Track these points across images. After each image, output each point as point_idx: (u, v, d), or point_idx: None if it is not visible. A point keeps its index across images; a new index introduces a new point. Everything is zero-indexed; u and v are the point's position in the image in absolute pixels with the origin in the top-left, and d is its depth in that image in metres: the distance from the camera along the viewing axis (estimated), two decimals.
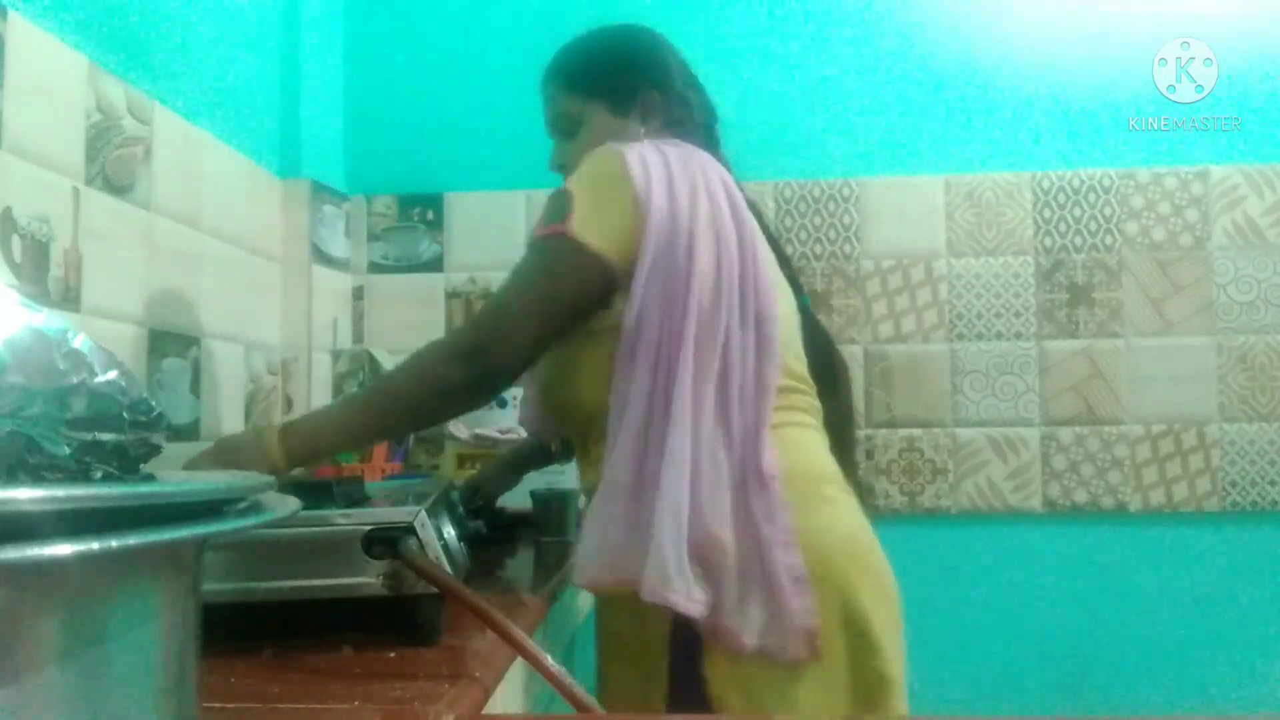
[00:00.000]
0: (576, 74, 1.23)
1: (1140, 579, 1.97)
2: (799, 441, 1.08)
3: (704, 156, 1.10)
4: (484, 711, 0.70)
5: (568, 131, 1.23)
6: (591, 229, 1.02)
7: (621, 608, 1.07)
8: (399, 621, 0.77)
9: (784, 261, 1.21)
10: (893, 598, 1.07)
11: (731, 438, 1.00)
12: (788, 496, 1.00)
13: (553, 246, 1.04)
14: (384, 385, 1.20)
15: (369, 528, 0.75)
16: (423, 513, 0.77)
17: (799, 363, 1.11)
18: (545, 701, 0.96)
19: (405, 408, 1.07)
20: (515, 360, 1.04)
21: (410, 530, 0.75)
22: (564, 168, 1.20)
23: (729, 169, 1.17)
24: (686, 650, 1.01)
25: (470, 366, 1.03)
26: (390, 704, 0.62)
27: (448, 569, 0.77)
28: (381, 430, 1.20)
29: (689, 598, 0.94)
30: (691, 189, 1.04)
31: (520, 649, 0.68)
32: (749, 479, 1.00)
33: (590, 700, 0.69)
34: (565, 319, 1.05)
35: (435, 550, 0.76)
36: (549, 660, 0.68)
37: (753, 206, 1.16)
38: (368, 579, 0.75)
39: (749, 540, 0.98)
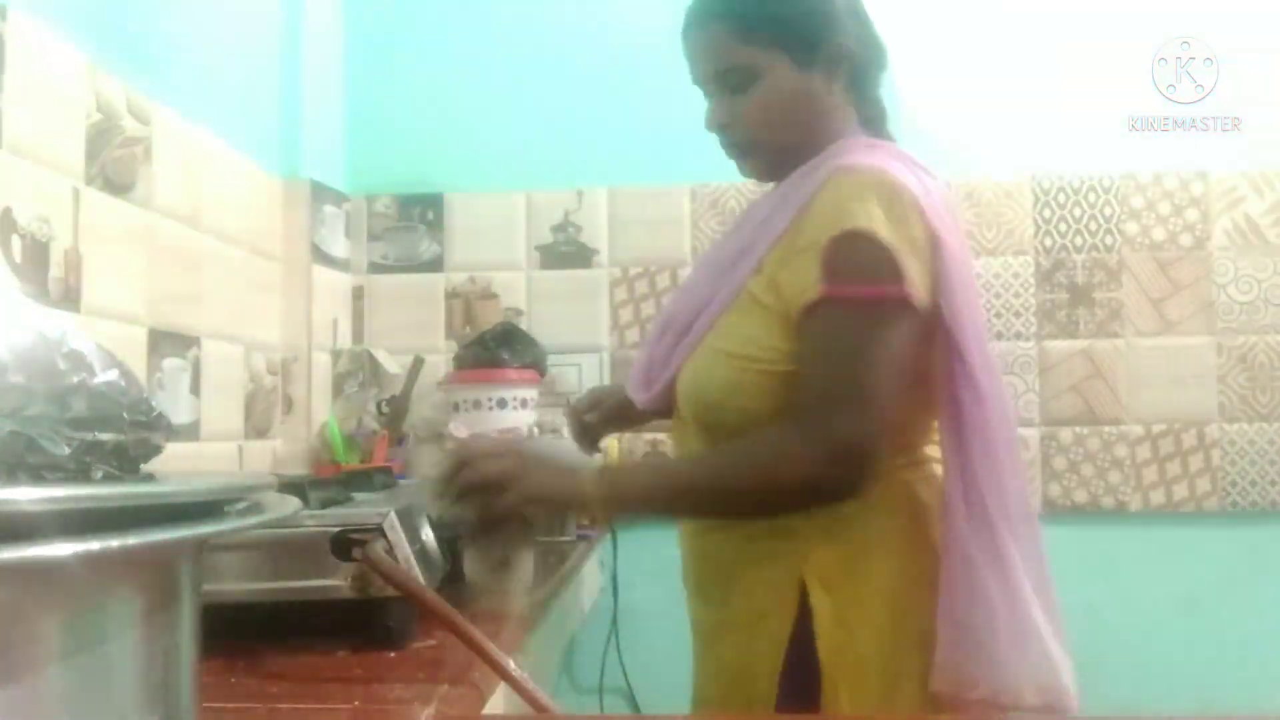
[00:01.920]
0: (754, 15, 1.01)
1: (1140, 579, 1.97)
2: None
3: (926, 173, 1.00)
4: (484, 712, 0.70)
5: (736, 86, 1.04)
6: (923, 289, 0.89)
7: (729, 635, 0.99)
8: (371, 624, 0.77)
9: None
10: None
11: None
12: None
13: (892, 313, 0.89)
14: (721, 469, 0.96)
15: (338, 529, 0.75)
16: (392, 514, 0.76)
17: None
18: None
19: (743, 505, 0.95)
20: (882, 439, 0.89)
21: (379, 532, 0.75)
22: (728, 128, 1.06)
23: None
24: (799, 681, 0.93)
25: (843, 464, 0.88)
26: (390, 704, 0.62)
27: (418, 572, 0.76)
28: (703, 515, 1.03)
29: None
30: (955, 226, 0.96)
31: (480, 652, 0.68)
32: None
33: (550, 703, 0.69)
34: (908, 383, 0.92)
35: (405, 553, 0.75)
36: (510, 664, 0.68)
37: None
38: (337, 581, 0.75)
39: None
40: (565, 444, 1.20)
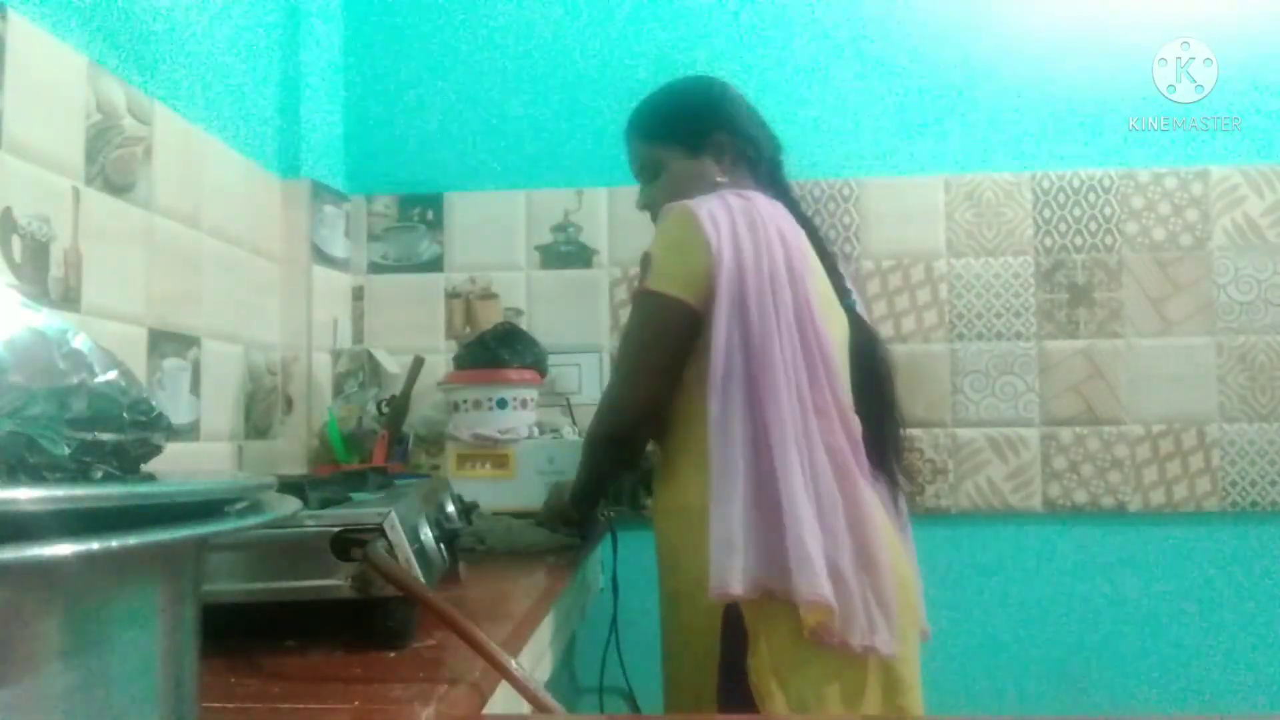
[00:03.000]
0: (653, 124, 1.40)
1: (1140, 579, 1.97)
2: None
3: (763, 205, 1.24)
4: (484, 712, 0.70)
5: (650, 176, 1.40)
6: (672, 280, 1.19)
7: (683, 605, 1.22)
8: (371, 624, 0.77)
9: (832, 270, 1.33)
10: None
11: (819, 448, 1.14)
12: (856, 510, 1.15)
13: (642, 303, 1.23)
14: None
15: (338, 529, 0.75)
16: (392, 514, 0.76)
17: (844, 391, 1.22)
18: None
19: (582, 466, 1.38)
20: (641, 407, 1.24)
21: (379, 531, 0.75)
22: (649, 207, 1.40)
23: (793, 198, 1.36)
24: (735, 642, 1.12)
25: (608, 423, 1.27)
26: (390, 704, 0.62)
27: (418, 571, 0.76)
28: (583, 486, 1.40)
29: (828, 595, 1.06)
30: (754, 241, 1.18)
31: (481, 651, 0.68)
32: (851, 481, 1.14)
33: (554, 704, 0.69)
34: (671, 360, 1.22)
35: (405, 552, 0.75)
36: (511, 663, 0.68)
37: (807, 222, 1.32)
38: (337, 581, 0.75)
39: (856, 540, 1.11)
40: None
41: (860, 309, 1.37)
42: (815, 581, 1.04)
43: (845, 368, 1.25)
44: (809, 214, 1.38)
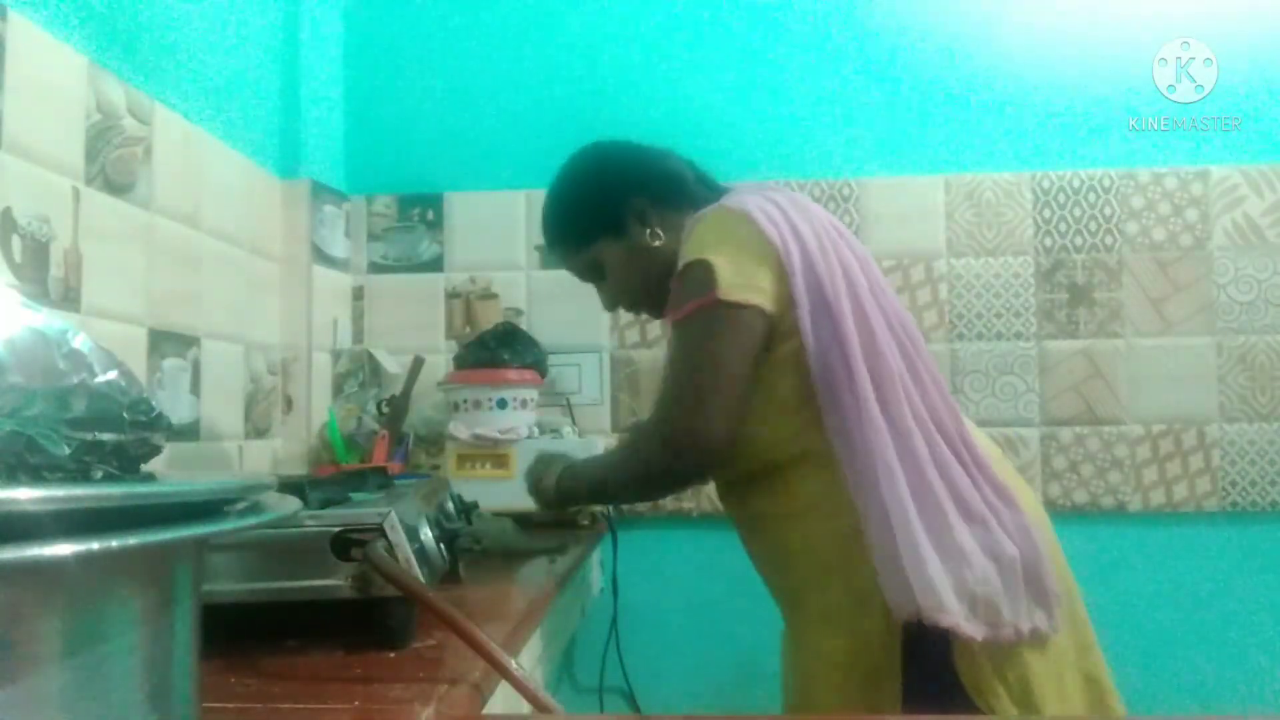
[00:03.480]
0: (566, 233, 1.28)
1: (1140, 579, 1.97)
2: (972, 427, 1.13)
3: (800, 197, 1.15)
4: (484, 712, 0.70)
5: (597, 277, 1.28)
6: (741, 289, 1.04)
7: (843, 624, 1.06)
8: (371, 624, 0.77)
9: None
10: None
11: (942, 440, 1.05)
12: (1001, 478, 1.07)
13: (710, 316, 1.05)
14: (616, 458, 1.23)
15: (338, 529, 0.75)
16: (392, 514, 0.76)
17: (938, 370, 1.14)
18: None
19: (625, 486, 1.20)
20: (723, 435, 1.04)
21: (379, 531, 0.75)
22: (614, 305, 1.30)
23: None
24: (924, 652, 1.01)
25: (682, 454, 1.06)
26: (390, 704, 0.62)
27: (418, 571, 0.76)
28: (610, 498, 1.31)
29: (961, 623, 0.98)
30: (812, 229, 1.08)
31: (481, 651, 0.68)
32: (971, 472, 1.05)
33: (554, 704, 0.69)
34: (748, 379, 1.05)
35: (405, 552, 0.75)
36: (511, 663, 0.68)
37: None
38: (337, 581, 0.75)
39: (984, 531, 1.01)
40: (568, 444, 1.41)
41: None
42: (944, 606, 0.96)
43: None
44: None
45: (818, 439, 1.06)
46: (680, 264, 1.09)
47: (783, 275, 1.05)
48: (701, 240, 1.08)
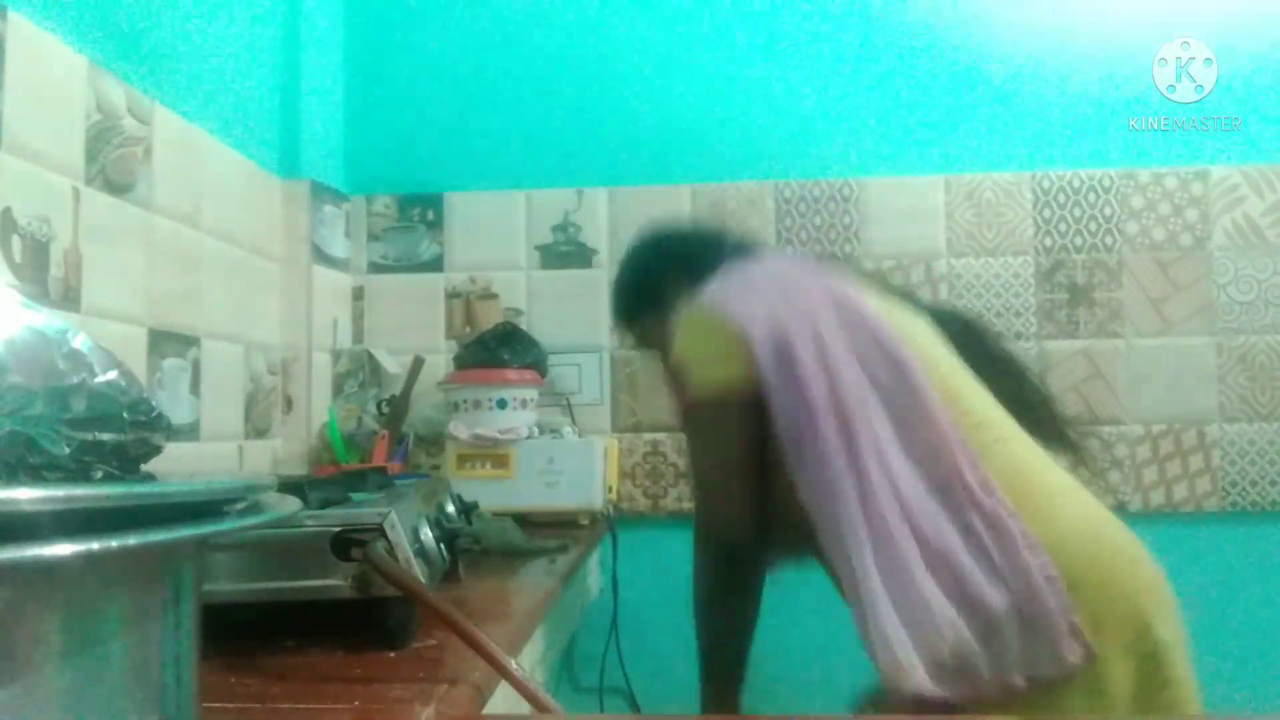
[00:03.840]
0: (623, 310, 1.40)
1: None
2: (996, 452, 1.03)
3: (777, 261, 1.19)
4: (484, 712, 0.70)
5: (650, 345, 1.37)
6: (715, 381, 1.08)
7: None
8: (371, 624, 0.77)
9: (880, 284, 1.23)
10: (1169, 603, 1.04)
11: (929, 486, 0.99)
12: (1013, 504, 0.98)
13: (698, 417, 1.12)
14: (695, 602, 1.18)
15: (338, 529, 0.75)
16: (393, 514, 0.76)
17: (958, 381, 1.08)
18: None
19: (709, 623, 1.15)
20: (743, 523, 1.09)
21: (379, 532, 0.75)
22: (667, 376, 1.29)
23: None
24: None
25: (717, 555, 1.11)
26: (390, 704, 0.62)
27: (418, 571, 0.76)
28: (718, 649, 1.18)
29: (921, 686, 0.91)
30: (781, 295, 1.09)
31: (481, 651, 0.68)
32: (965, 516, 0.97)
33: (554, 704, 0.69)
34: (749, 462, 1.08)
35: (405, 552, 0.75)
36: (511, 663, 0.68)
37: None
38: (337, 581, 0.75)
39: (957, 581, 0.94)
40: None
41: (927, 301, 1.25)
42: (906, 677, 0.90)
43: (954, 368, 1.11)
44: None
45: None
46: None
47: (753, 360, 1.05)
48: (679, 338, 1.13)
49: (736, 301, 1.09)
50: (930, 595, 0.92)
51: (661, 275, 1.31)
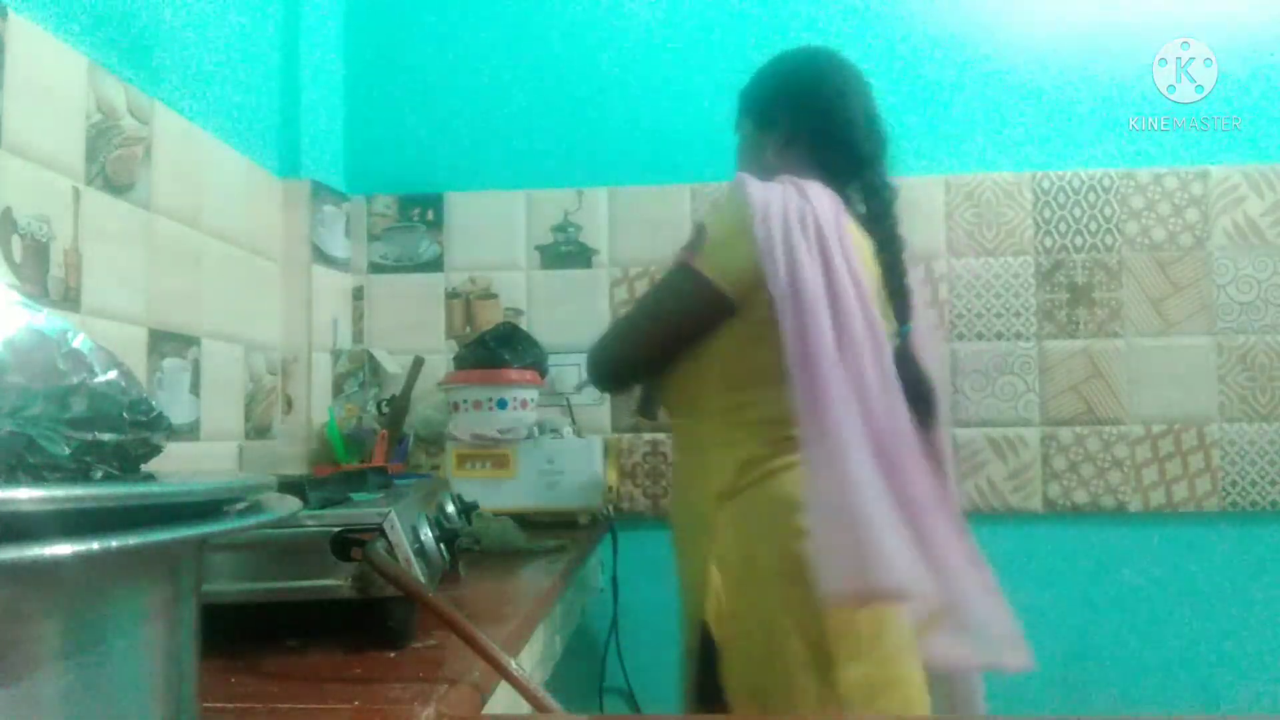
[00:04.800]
0: (747, 92, 1.40)
1: (1140, 579, 1.97)
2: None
3: (820, 198, 1.18)
4: (484, 712, 0.70)
5: (738, 132, 1.40)
6: (713, 263, 1.18)
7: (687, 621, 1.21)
8: (371, 624, 0.77)
9: (899, 291, 1.27)
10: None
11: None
12: None
13: (679, 274, 1.21)
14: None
15: (338, 529, 0.75)
16: (393, 514, 0.76)
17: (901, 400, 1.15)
18: None
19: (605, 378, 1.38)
20: (637, 370, 1.31)
21: (379, 531, 0.75)
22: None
23: (876, 191, 1.29)
24: (707, 658, 1.11)
25: (597, 369, 1.33)
26: (390, 704, 0.62)
27: (418, 571, 0.76)
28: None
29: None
30: (806, 240, 1.14)
31: (481, 651, 0.68)
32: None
33: (554, 704, 0.69)
34: (675, 337, 1.23)
35: (405, 552, 0.75)
36: (510, 663, 0.68)
37: (877, 219, 1.27)
38: (337, 581, 0.75)
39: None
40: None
41: (919, 316, 1.29)
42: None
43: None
44: (892, 213, 1.29)
45: (753, 414, 1.18)
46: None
47: (759, 272, 1.13)
48: (717, 207, 1.24)
49: (777, 227, 1.14)
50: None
51: (789, 112, 1.33)
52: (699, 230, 1.22)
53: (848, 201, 1.27)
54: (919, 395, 1.22)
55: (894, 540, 1.01)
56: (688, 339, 1.22)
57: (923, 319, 1.31)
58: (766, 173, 1.25)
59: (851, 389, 1.07)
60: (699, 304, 1.19)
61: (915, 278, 1.30)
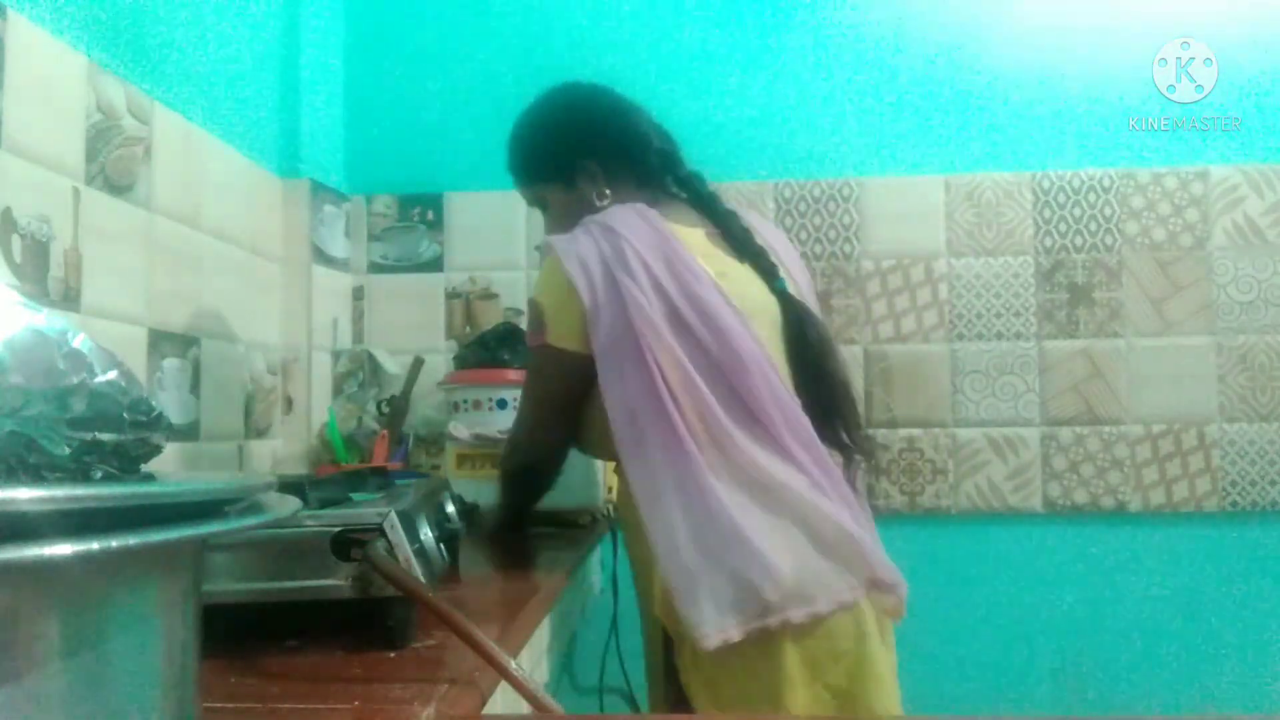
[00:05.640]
0: (523, 166, 1.39)
1: (1140, 579, 1.97)
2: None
3: (632, 223, 1.19)
4: (484, 712, 0.70)
5: (542, 210, 1.41)
6: (558, 333, 1.21)
7: (643, 616, 1.29)
8: (371, 624, 0.76)
9: (752, 256, 1.28)
10: None
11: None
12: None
13: (540, 356, 1.26)
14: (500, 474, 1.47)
15: (338, 529, 0.75)
16: (393, 514, 0.76)
17: (772, 384, 1.17)
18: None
19: (502, 496, 1.45)
20: (541, 451, 1.35)
21: (379, 531, 0.75)
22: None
23: (699, 193, 1.32)
24: (668, 647, 1.18)
25: (514, 463, 1.38)
26: (390, 704, 0.62)
27: (418, 572, 0.76)
28: (506, 517, 1.48)
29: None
30: (626, 268, 1.15)
31: (481, 651, 0.68)
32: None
33: (554, 704, 0.69)
34: (565, 410, 1.28)
35: (405, 552, 0.75)
36: (511, 664, 0.68)
37: (718, 217, 1.29)
38: (337, 581, 0.75)
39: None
40: None
41: (794, 289, 1.30)
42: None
43: (779, 353, 1.23)
44: (710, 191, 1.33)
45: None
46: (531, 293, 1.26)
47: (587, 320, 1.17)
48: (541, 280, 1.24)
49: (581, 266, 1.17)
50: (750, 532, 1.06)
51: (573, 151, 1.33)
52: (532, 308, 1.24)
53: (670, 200, 1.31)
54: (812, 352, 1.24)
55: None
56: (578, 403, 1.26)
57: (794, 266, 1.33)
58: (589, 219, 1.25)
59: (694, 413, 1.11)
60: (567, 374, 1.23)
61: (767, 233, 1.34)
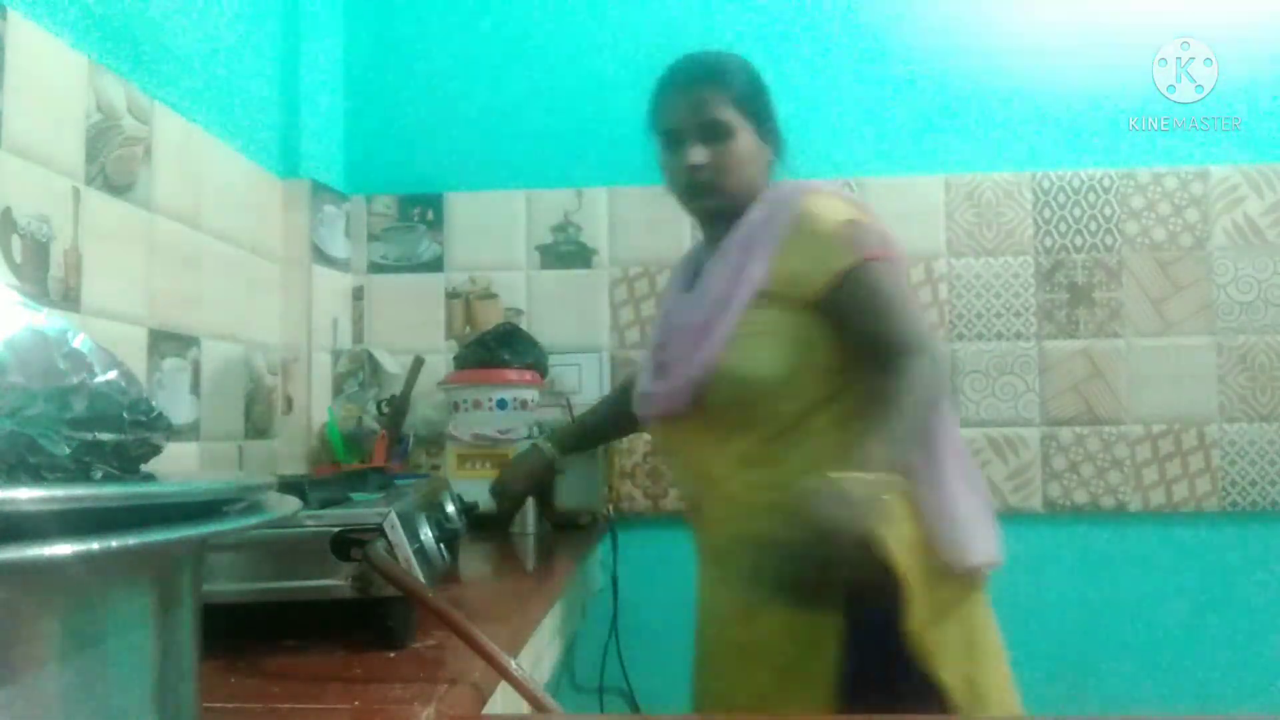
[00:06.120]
0: (741, 88, 1.27)
1: (1140, 579, 1.97)
2: None
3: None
4: (484, 712, 0.70)
5: (711, 135, 1.26)
6: (886, 246, 1.22)
7: (779, 614, 1.10)
8: (371, 624, 0.76)
9: None
10: None
11: None
12: None
13: (882, 270, 1.18)
14: (901, 399, 1.14)
15: (338, 529, 0.75)
16: (393, 514, 0.76)
17: None
18: None
19: (925, 410, 1.16)
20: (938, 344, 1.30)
21: (379, 531, 0.75)
22: (703, 168, 1.25)
23: None
24: (871, 627, 1.13)
25: (927, 359, 1.15)
26: (390, 704, 0.62)
27: (418, 572, 0.76)
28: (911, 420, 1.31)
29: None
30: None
31: (481, 651, 0.68)
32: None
33: (554, 704, 0.69)
34: None
35: (405, 552, 0.75)
36: (510, 663, 0.68)
37: None
38: (337, 581, 0.75)
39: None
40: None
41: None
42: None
43: None
44: None
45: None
46: (836, 218, 1.20)
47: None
48: (833, 208, 1.22)
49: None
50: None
51: (772, 110, 1.33)
52: (852, 227, 1.19)
53: None
54: None
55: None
56: None
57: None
58: (760, 182, 1.29)
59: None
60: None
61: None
